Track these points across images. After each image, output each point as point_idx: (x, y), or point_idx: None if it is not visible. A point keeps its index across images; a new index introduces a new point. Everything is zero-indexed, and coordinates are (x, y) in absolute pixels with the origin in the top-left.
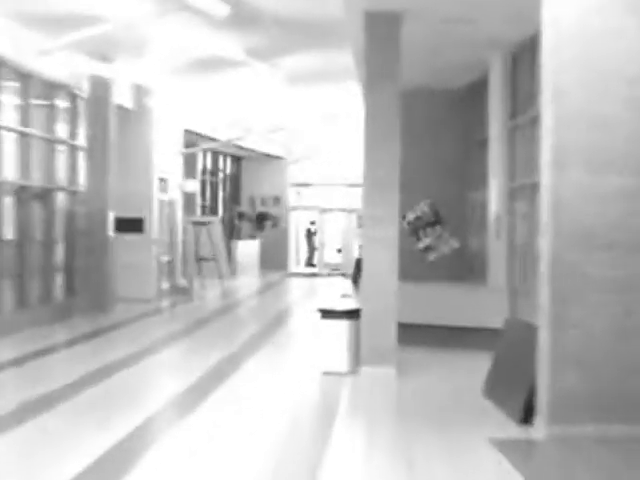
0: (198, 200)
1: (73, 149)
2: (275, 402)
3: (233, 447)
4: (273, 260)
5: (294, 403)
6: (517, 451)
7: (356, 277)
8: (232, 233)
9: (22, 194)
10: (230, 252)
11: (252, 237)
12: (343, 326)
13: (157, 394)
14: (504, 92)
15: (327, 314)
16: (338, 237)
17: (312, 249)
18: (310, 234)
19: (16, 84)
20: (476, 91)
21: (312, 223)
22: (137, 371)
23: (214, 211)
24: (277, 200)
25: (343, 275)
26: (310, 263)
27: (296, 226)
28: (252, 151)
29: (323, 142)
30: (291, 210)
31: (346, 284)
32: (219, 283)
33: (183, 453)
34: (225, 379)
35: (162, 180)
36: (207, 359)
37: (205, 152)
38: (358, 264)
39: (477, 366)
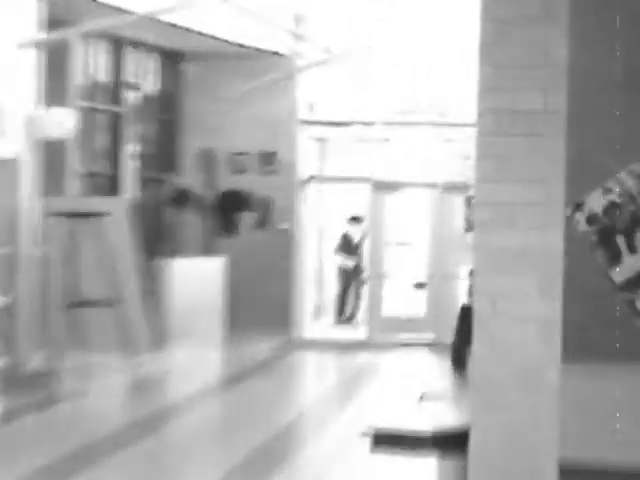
0: (75, 159)
1: None
2: None
3: None
4: (258, 308)
5: None
6: None
7: (460, 351)
8: (158, 241)
9: None
10: (154, 287)
11: (207, 251)
12: (427, 471)
13: None
14: None
15: (388, 442)
16: (417, 254)
17: (354, 282)
18: (349, 246)
19: None
20: None
21: (354, 220)
22: None
23: (114, 187)
24: (269, 160)
25: (430, 346)
26: (349, 316)
27: (318, 225)
28: (210, 39)
29: (381, 21)
30: (305, 185)
31: (437, 367)
32: (126, 363)
33: None
34: None
35: None
36: None
37: (91, 42)
38: (465, 320)
39: None
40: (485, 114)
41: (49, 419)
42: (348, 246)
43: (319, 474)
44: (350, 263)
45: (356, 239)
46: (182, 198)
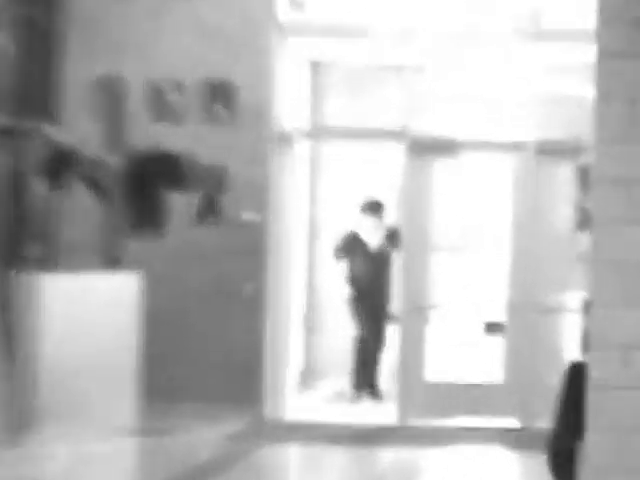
0: None
1: None
2: None
3: None
4: (202, 365)
5: None
6: None
7: (565, 445)
8: (20, 241)
9: None
10: (12, 323)
11: (109, 260)
12: None
13: None
14: None
15: None
16: (489, 269)
17: (378, 321)
18: (363, 256)
19: None
20: None
21: (371, 209)
22: None
23: None
24: (222, 99)
25: (511, 436)
26: (368, 382)
27: (309, 217)
28: None
29: None
30: (287, 145)
31: (522, 473)
32: None
33: None
34: None
35: None
36: None
37: None
38: (575, 390)
39: None
40: (612, 21)
41: None
42: (354, 255)
43: None
44: (346, 290)
45: (373, 243)
46: (63, 165)
